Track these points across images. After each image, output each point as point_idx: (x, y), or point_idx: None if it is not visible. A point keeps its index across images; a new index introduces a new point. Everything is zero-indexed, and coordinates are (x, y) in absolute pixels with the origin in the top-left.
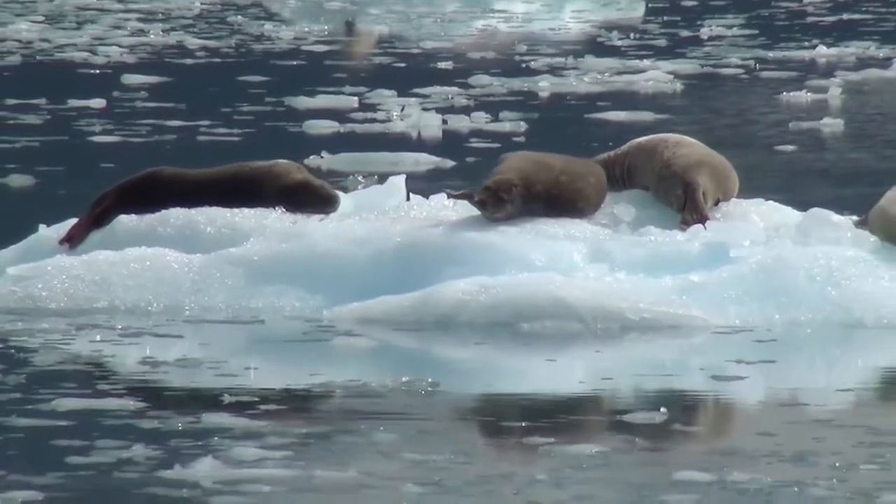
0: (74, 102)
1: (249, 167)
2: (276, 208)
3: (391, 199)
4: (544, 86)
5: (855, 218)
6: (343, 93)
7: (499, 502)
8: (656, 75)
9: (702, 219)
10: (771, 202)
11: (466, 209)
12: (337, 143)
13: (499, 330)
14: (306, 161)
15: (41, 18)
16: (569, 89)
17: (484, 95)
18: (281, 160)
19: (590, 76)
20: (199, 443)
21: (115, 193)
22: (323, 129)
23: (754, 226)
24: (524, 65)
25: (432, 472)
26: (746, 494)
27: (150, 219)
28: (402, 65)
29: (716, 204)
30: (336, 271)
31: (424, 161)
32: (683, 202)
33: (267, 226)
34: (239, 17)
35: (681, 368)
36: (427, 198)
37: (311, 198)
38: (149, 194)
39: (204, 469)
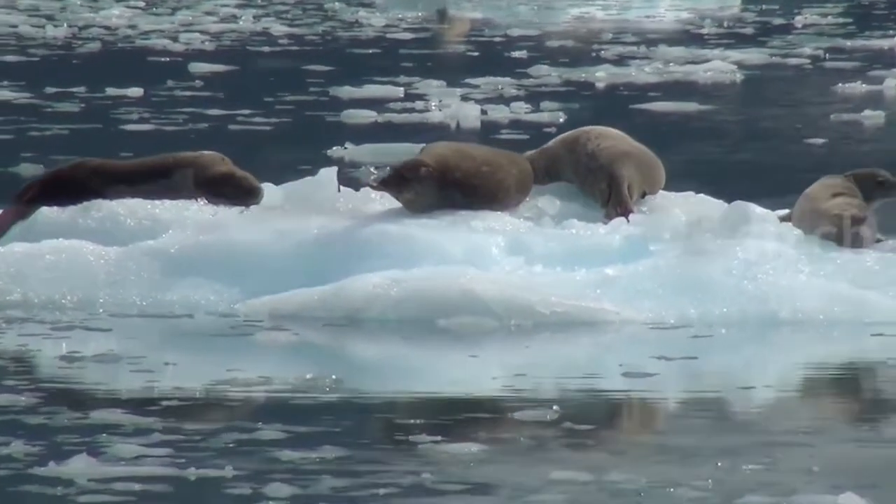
0: (112, 91)
1: (173, 158)
2: (199, 200)
3: (321, 191)
4: (601, 76)
5: (782, 212)
6: (395, 83)
7: None
8: (718, 65)
9: (626, 212)
10: (701, 195)
11: (393, 202)
12: (372, 134)
13: (414, 326)
14: (329, 151)
15: (142, 3)
16: (626, 79)
17: (537, 86)
18: (206, 151)
19: (652, 66)
20: (83, 439)
21: (38, 185)
22: (361, 118)
23: (676, 219)
24: (594, 54)
25: (306, 471)
26: (619, 495)
27: (71, 210)
28: (476, 53)
29: (642, 196)
30: (254, 264)
31: None
32: (608, 195)
33: (187, 217)
34: (336, 4)
35: (586, 364)
36: (358, 190)
37: (233, 190)
38: (72, 186)
39: (78, 466)
